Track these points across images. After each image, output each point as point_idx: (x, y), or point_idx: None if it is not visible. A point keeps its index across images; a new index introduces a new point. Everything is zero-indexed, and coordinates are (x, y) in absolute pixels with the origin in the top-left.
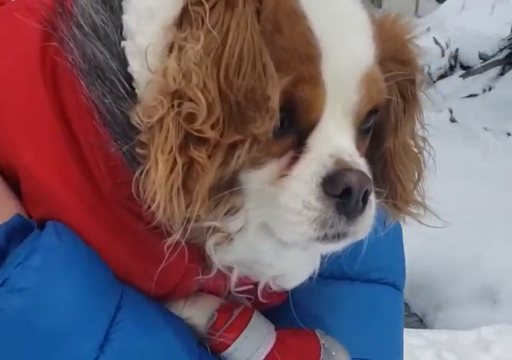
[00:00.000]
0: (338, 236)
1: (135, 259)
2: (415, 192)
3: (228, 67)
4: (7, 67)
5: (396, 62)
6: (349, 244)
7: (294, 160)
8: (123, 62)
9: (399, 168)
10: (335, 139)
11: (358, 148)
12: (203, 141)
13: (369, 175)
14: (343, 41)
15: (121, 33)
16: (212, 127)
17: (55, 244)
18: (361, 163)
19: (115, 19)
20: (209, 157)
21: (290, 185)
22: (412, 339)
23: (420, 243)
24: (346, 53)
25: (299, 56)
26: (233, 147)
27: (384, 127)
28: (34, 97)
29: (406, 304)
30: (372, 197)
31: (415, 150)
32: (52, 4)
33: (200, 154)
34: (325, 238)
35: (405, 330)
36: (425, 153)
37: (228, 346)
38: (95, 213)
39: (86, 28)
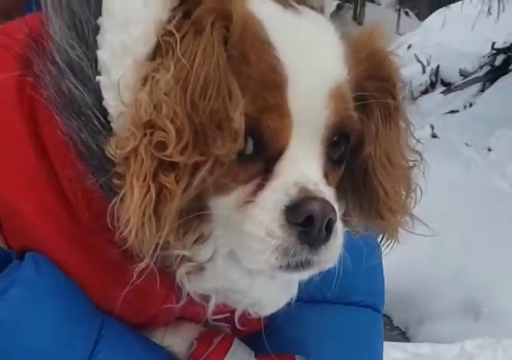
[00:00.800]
0: (301, 265)
1: (112, 287)
2: (400, 201)
3: (194, 91)
4: None
5: (374, 80)
6: (316, 273)
7: (260, 187)
8: (98, 96)
9: (382, 174)
10: (301, 167)
11: (328, 177)
12: (172, 167)
13: (335, 204)
14: (308, 68)
15: (96, 68)
16: (181, 153)
17: (33, 276)
18: (326, 192)
19: (90, 54)
20: (177, 182)
21: (255, 212)
22: (395, 352)
23: (402, 256)
24: (311, 80)
25: (265, 84)
26: (196, 169)
27: (363, 135)
28: (13, 131)
29: (388, 318)
30: (338, 226)
31: (403, 162)
32: (27, 40)
33: (168, 180)
34: (288, 267)
35: (387, 343)
36: (416, 168)
37: None
38: (74, 243)
39: (61, 63)
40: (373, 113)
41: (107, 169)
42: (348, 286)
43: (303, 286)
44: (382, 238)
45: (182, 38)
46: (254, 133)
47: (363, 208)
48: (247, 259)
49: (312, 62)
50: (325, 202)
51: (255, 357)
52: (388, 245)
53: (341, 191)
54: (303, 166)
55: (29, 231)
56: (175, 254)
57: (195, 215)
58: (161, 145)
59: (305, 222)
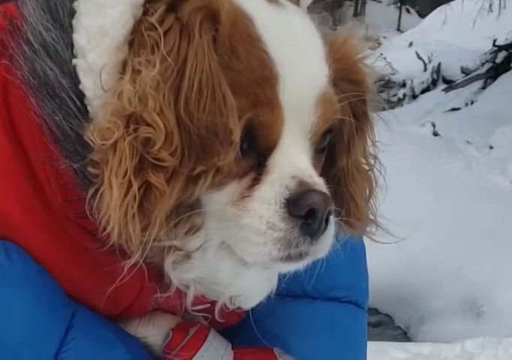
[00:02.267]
0: (300, 256)
1: (89, 277)
2: (367, 209)
3: (188, 99)
4: None
5: (347, 82)
6: (309, 262)
7: (255, 181)
8: (74, 80)
9: (352, 186)
10: (295, 160)
11: (315, 167)
12: (160, 166)
13: (329, 195)
14: (298, 63)
15: (72, 51)
16: (171, 155)
17: (4, 264)
18: (321, 184)
19: (66, 37)
20: (168, 182)
21: (253, 206)
22: (396, 352)
23: (402, 257)
24: (302, 74)
25: (255, 79)
26: (195, 177)
27: (336, 146)
28: None
29: (390, 318)
30: (332, 217)
31: (366, 168)
32: (2, 22)
33: (157, 180)
34: (288, 258)
35: (389, 343)
36: (376, 171)
37: None
38: (48, 232)
39: (36, 45)
40: (345, 119)
41: (81, 153)
42: (330, 281)
43: (284, 281)
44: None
45: (165, 33)
46: (247, 129)
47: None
48: (245, 252)
49: (301, 58)
50: (324, 195)
51: (232, 349)
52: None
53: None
54: (296, 160)
55: (2, 221)
56: (164, 245)
57: (187, 214)
58: (147, 141)
59: (308, 214)
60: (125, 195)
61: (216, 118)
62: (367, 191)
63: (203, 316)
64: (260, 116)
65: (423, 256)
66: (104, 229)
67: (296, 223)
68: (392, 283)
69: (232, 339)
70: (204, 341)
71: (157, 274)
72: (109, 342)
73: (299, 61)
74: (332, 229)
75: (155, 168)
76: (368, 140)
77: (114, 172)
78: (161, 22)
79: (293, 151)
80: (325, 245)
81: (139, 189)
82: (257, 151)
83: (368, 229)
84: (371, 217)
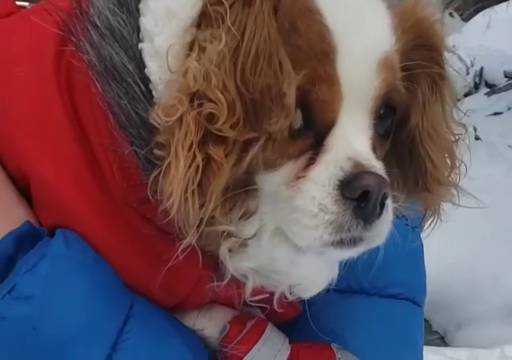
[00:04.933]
0: (354, 241)
1: (146, 265)
2: (447, 172)
3: (244, 65)
4: (22, 71)
5: (421, 49)
6: (365, 250)
7: (311, 161)
8: (139, 64)
9: (429, 145)
10: (352, 140)
11: (376, 150)
12: (221, 140)
13: (387, 178)
14: (358, 37)
15: (137, 35)
16: (232, 127)
17: (63, 252)
18: (378, 166)
19: (133, 21)
20: (226, 155)
21: (307, 187)
22: (433, 357)
23: (441, 260)
24: (361, 48)
25: (314, 54)
26: (247, 145)
27: (410, 107)
28: (47, 100)
29: (427, 322)
30: (389, 202)
31: (449, 135)
32: (69, 7)
33: (217, 153)
34: (340, 243)
35: (426, 348)
36: (461, 139)
37: (241, 358)
38: (107, 219)
39: (103, 29)
40: (420, 83)
41: (146, 138)
42: (388, 278)
43: (341, 276)
44: (424, 217)
45: (230, 7)
46: (304, 106)
47: (408, 181)
48: (298, 236)
49: (362, 32)
50: (379, 177)
51: (289, 343)
52: (431, 223)
53: (385, 165)
54: (354, 140)
55: (62, 209)
56: (219, 230)
57: (242, 190)
58: (211, 117)
59: (361, 197)
60: (189, 167)
61: (271, 82)
62: (448, 156)
63: (260, 309)
64: (318, 91)
65: (461, 260)
66: (164, 214)
67: (348, 205)
68: (429, 288)
69: (288, 334)
70: (261, 335)
71: (214, 263)
72: (167, 334)
73: (359, 33)
74: (388, 214)
75: (216, 142)
76: (449, 103)
77: (181, 144)
78: None
79: (351, 131)
80: (381, 232)
81: (202, 163)
82: (314, 131)
83: (447, 192)
84: (451, 179)
